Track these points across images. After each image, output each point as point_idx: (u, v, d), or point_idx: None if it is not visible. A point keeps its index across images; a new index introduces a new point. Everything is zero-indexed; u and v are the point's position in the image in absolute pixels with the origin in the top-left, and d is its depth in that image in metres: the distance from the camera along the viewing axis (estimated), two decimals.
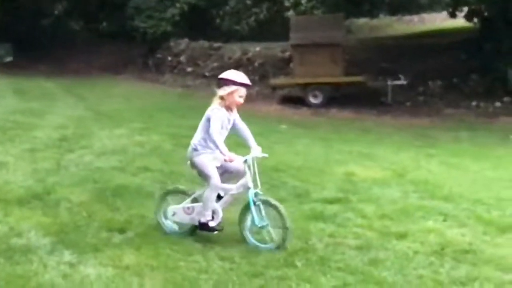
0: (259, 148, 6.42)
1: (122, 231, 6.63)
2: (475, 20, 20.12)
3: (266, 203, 6.36)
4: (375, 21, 29.00)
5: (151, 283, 5.35)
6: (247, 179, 6.32)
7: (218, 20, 24.60)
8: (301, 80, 18.63)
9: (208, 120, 6.27)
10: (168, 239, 6.41)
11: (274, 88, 19.71)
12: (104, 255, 5.94)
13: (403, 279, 5.60)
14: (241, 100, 6.39)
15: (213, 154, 6.33)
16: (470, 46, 19.00)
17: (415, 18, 30.45)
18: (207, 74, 22.45)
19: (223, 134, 6.37)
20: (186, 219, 6.57)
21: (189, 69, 23.20)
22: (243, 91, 6.37)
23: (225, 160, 6.18)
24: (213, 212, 6.46)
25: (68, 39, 27.71)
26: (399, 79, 18.53)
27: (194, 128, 12.59)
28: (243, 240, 6.37)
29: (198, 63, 23.40)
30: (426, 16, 30.34)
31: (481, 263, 6.02)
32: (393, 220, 7.27)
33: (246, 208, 6.43)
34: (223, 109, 6.34)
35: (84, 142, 11.10)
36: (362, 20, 28.93)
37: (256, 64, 22.51)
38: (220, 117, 6.28)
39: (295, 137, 13.05)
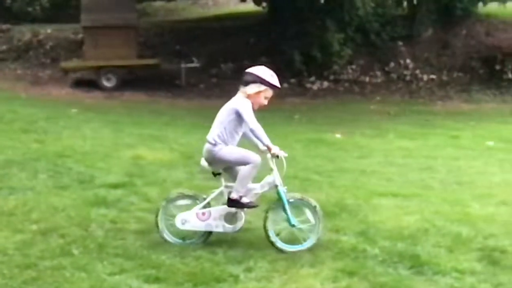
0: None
1: None
2: (264, 4, 20.76)
3: (298, 200, 6.05)
4: (171, 4, 28.92)
5: None
6: (275, 177, 5.95)
7: (9, 1, 23.44)
8: (93, 63, 18.21)
9: (236, 113, 5.85)
10: None
11: (66, 71, 19.11)
12: None
13: (181, 261, 5.66)
14: (265, 102, 6.01)
15: None
16: (259, 29, 19.61)
17: (210, 1, 30.76)
18: None
19: (243, 131, 6.02)
20: (200, 226, 6.02)
21: None
22: (270, 93, 6.00)
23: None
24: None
25: None
26: (192, 61, 18.73)
27: None
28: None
29: None
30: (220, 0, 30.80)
31: (258, 240, 6.21)
32: None
33: (273, 209, 6.05)
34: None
35: None
36: (159, 3, 28.73)
37: (47, 46, 21.66)
38: (251, 108, 5.87)
39: (85, 121, 12.71)
